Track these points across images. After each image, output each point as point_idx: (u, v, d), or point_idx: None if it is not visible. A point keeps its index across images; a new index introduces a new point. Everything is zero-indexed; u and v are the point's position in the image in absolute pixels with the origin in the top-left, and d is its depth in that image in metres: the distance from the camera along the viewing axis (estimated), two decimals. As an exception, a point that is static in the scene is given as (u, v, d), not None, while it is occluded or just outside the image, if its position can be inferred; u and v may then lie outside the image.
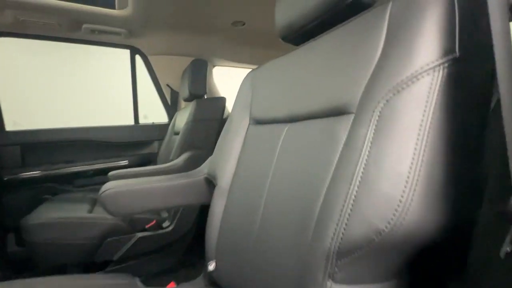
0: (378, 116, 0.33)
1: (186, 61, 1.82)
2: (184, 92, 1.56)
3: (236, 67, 2.15)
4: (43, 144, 1.57)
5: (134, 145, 1.86)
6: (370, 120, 0.34)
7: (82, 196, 1.47)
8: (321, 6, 0.49)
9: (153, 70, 1.81)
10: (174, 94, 1.87)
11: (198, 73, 1.47)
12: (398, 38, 0.35)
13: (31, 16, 1.27)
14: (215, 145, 0.74)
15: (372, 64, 0.37)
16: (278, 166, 0.52)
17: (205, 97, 1.58)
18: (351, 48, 0.42)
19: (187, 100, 1.59)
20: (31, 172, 1.48)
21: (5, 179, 1.43)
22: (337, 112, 0.42)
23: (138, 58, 1.78)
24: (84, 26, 1.39)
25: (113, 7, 1.29)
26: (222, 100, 1.42)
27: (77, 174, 1.62)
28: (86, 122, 1.75)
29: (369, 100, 0.36)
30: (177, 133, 1.62)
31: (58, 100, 1.98)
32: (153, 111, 1.98)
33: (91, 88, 2.08)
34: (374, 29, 0.38)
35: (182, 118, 1.54)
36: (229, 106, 1.60)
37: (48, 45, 1.52)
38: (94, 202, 1.41)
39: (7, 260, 1.34)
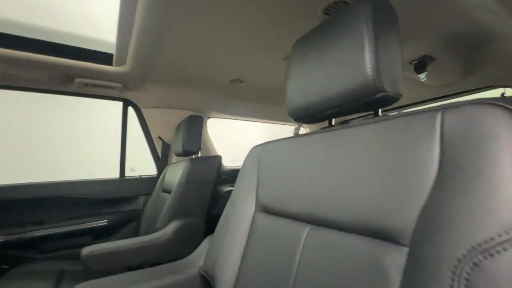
0: (466, 283, 0.25)
1: (180, 114, 1.78)
2: (177, 146, 1.47)
3: (231, 119, 2.13)
4: (6, 202, 1.38)
5: (117, 201, 1.69)
6: (449, 284, 0.26)
7: (46, 268, 1.25)
8: (346, 95, 0.45)
9: (145, 122, 1.74)
10: (166, 147, 1.78)
11: (194, 129, 1.40)
12: (462, 165, 0.28)
13: (21, 70, 1.21)
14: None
15: (425, 188, 0.31)
16: (302, 275, 0.41)
17: (199, 154, 1.50)
18: (392, 157, 0.36)
19: (180, 155, 1.50)
20: None
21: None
22: (380, 235, 0.34)
23: (130, 110, 1.72)
24: (77, 80, 1.34)
25: (110, 64, 1.26)
26: (217, 159, 1.34)
27: (45, 238, 1.41)
28: (67, 176, 1.60)
29: (434, 246, 0.28)
30: (166, 191, 1.49)
31: (39, 152, 1.84)
32: (141, 164, 1.86)
33: (77, 139, 1.97)
34: (424, 142, 0.33)
35: (173, 175, 1.43)
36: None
37: (33, 95, 1.44)
38: (60, 276, 1.19)
39: None
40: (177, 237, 1.03)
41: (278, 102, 1.95)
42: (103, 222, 1.55)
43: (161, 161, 1.78)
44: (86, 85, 1.40)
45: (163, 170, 1.75)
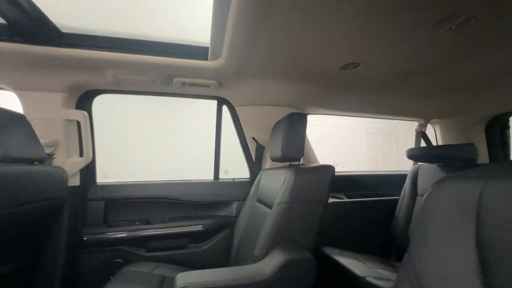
0: None
1: (276, 112, 1.55)
2: (274, 150, 1.24)
3: (335, 115, 1.76)
4: (124, 200, 1.48)
5: (211, 206, 1.62)
6: None
7: (151, 271, 1.26)
8: None
9: (239, 121, 1.60)
10: (260, 149, 1.59)
11: (296, 130, 1.13)
12: None
13: (128, 74, 1.22)
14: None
15: None
16: None
17: (301, 161, 1.22)
18: None
19: (278, 160, 1.27)
20: (110, 233, 1.37)
21: (85, 238, 1.34)
22: None
23: (224, 109, 1.61)
24: (176, 79, 1.29)
25: (205, 59, 1.14)
26: (330, 171, 1.01)
27: (152, 237, 1.45)
28: (166, 176, 1.64)
29: None
30: (261, 201, 1.29)
31: (144, 152, 2.00)
32: (235, 167, 1.75)
33: (175, 138, 2.05)
34: None
35: (271, 183, 1.21)
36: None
37: (140, 99, 1.49)
38: (161, 282, 1.16)
39: None
40: (283, 278, 0.79)
41: (399, 92, 1.46)
42: (199, 227, 1.50)
43: (255, 165, 1.60)
44: (184, 84, 1.34)
45: (257, 174, 1.57)
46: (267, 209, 1.13)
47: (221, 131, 1.64)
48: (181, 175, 1.70)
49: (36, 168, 1.04)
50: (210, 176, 1.69)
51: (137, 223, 1.48)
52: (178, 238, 1.50)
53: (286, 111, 1.51)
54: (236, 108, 1.57)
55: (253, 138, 1.58)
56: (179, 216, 1.58)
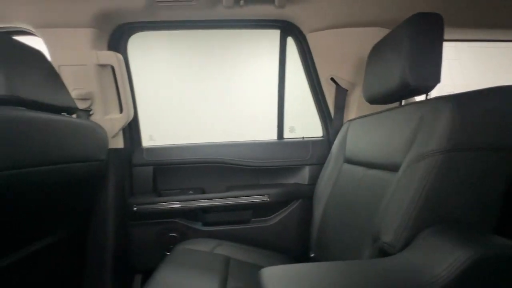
0: None
1: (368, 37, 1.08)
2: (377, 85, 0.81)
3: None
4: (174, 166, 1.24)
5: (275, 172, 1.28)
6: None
7: (211, 251, 1.00)
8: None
9: (310, 55, 1.17)
10: (341, 94, 1.15)
11: (428, 42, 0.67)
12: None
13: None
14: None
15: None
16: None
17: (429, 94, 0.76)
18: None
19: (381, 101, 0.83)
20: (162, 204, 1.14)
21: (135, 209, 1.14)
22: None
23: (290, 42, 1.19)
24: (225, -6, 0.91)
25: None
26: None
27: (208, 209, 1.19)
28: (220, 136, 1.34)
29: None
30: (356, 163, 0.89)
31: (193, 108, 1.72)
32: (302, 122, 1.35)
33: (229, 91, 1.72)
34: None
35: (375, 135, 0.79)
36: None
37: (184, 47, 1.16)
38: (226, 265, 0.89)
39: None
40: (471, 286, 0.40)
41: None
42: (265, 198, 1.18)
43: (336, 117, 1.18)
44: (237, 1, 0.95)
45: (336, 130, 1.16)
46: (379, 172, 0.73)
47: (285, 74, 1.24)
48: (232, 135, 1.39)
49: (71, 120, 0.81)
50: (270, 136, 1.34)
51: (191, 192, 1.23)
52: (238, 211, 1.22)
53: (382, 34, 1.01)
54: (307, 36, 1.13)
55: (331, 78, 1.15)
56: (238, 184, 1.29)
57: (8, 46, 0.69)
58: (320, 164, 1.17)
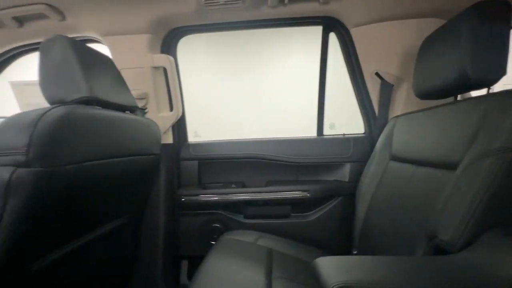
0: None
1: (415, 29, 1.03)
2: (431, 79, 0.78)
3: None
4: (217, 161, 1.31)
5: (315, 168, 1.29)
6: None
7: (254, 242, 1.05)
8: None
9: (354, 50, 1.15)
10: (387, 90, 1.12)
11: (492, 33, 0.63)
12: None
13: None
14: None
15: None
16: None
17: (492, 88, 0.71)
18: None
19: (434, 96, 0.80)
20: (206, 195, 1.22)
21: (183, 200, 1.24)
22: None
23: (332, 38, 1.18)
24: (271, -6, 0.94)
25: None
26: None
27: (249, 203, 1.24)
28: (261, 133, 1.38)
29: None
30: (399, 159, 0.87)
31: (234, 105, 1.79)
32: (342, 119, 1.34)
33: (268, 88, 1.75)
34: None
35: (428, 132, 0.77)
36: None
37: (231, 47, 1.22)
38: (270, 257, 0.93)
39: None
40: None
41: None
42: (305, 194, 1.20)
43: (380, 112, 1.15)
44: (281, 1, 0.98)
45: (380, 127, 1.13)
46: (431, 170, 0.70)
47: (327, 70, 1.24)
48: (272, 131, 1.42)
49: (136, 118, 0.92)
50: (310, 133, 1.34)
51: (233, 185, 1.30)
52: (278, 205, 1.25)
53: (433, 25, 0.96)
54: (351, 31, 1.12)
55: (376, 73, 1.12)
56: (277, 179, 1.32)
57: (86, 54, 0.79)
58: (362, 161, 1.16)
